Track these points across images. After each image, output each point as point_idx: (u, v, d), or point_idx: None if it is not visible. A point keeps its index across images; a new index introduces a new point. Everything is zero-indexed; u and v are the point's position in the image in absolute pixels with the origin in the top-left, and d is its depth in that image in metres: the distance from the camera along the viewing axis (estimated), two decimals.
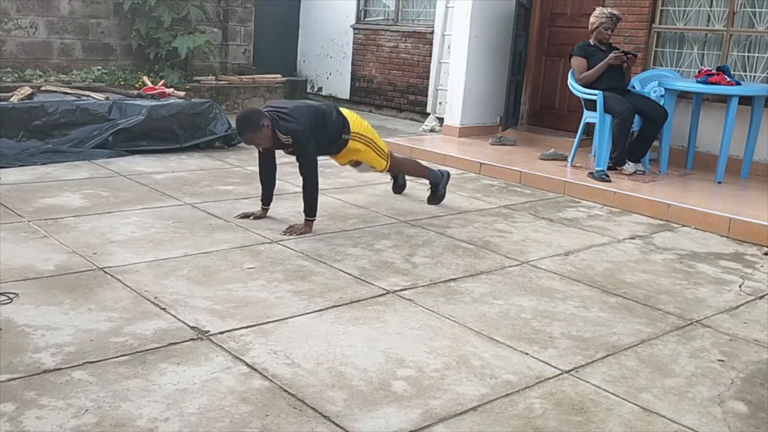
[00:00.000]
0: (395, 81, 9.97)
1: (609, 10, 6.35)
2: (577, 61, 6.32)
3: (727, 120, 5.97)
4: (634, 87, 6.52)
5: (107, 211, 4.63)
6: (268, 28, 10.87)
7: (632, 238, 4.75)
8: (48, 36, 8.85)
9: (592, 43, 6.36)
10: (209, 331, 2.98)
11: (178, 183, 5.49)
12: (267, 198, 4.66)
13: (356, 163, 5.01)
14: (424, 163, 5.63)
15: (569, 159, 6.52)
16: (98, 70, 8.78)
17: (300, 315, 3.20)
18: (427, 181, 5.29)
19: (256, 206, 4.71)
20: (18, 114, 6.22)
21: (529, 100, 8.25)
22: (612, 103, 6.02)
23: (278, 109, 4.34)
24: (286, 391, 2.54)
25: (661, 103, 6.35)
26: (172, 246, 4.02)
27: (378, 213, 4.97)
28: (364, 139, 4.74)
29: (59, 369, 2.59)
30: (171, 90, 7.68)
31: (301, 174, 4.41)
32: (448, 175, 5.36)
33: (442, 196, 5.28)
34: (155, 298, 3.29)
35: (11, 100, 6.46)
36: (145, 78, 8.31)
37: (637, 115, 6.07)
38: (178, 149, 6.69)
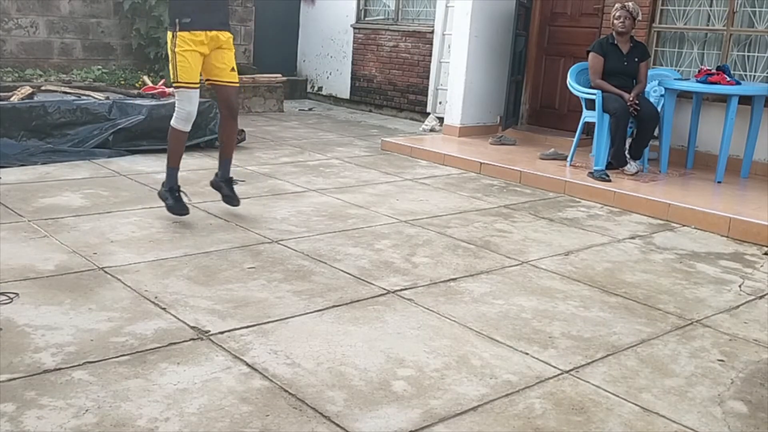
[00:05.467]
0: (395, 80, 9.97)
1: (628, 3, 6.27)
2: (593, 60, 6.27)
3: (727, 119, 5.97)
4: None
5: (107, 210, 4.64)
6: (268, 27, 10.87)
7: (632, 237, 4.75)
8: (48, 35, 8.85)
9: (612, 39, 6.28)
10: (209, 331, 2.98)
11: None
12: None
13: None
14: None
15: (568, 158, 6.52)
16: (98, 69, 8.78)
17: (300, 315, 3.20)
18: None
19: (257, 206, 4.71)
20: (18, 113, 6.21)
21: (529, 100, 8.26)
22: (608, 102, 6.03)
23: None
24: (286, 391, 2.54)
25: (661, 103, 6.35)
26: (172, 246, 4.02)
27: (378, 213, 4.97)
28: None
29: (59, 369, 2.59)
30: (171, 89, 7.68)
31: None
32: (171, 189, 4.47)
33: (164, 201, 4.48)
34: (155, 297, 3.29)
35: (11, 99, 6.46)
36: (146, 77, 8.31)
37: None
38: None
